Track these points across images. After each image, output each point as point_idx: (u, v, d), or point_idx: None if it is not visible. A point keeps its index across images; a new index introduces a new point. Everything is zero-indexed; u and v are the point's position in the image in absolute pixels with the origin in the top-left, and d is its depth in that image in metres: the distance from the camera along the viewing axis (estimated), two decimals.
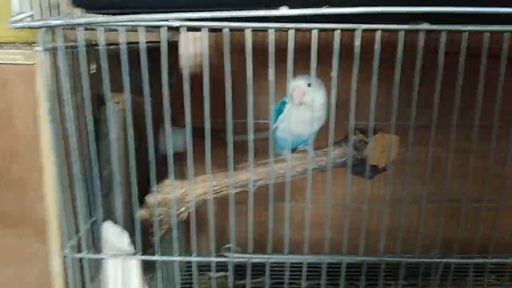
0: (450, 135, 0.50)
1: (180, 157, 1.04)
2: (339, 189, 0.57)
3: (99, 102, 0.58)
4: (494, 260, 0.54)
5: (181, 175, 1.15)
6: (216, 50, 1.14)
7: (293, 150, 0.77)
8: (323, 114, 0.70)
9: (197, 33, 1.08)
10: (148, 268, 0.67)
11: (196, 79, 0.49)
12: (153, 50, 0.48)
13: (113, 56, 0.62)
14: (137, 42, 0.73)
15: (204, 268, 1.08)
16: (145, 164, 0.57)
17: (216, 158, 0.59)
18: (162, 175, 0.72)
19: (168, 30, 0.44)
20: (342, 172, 0.77)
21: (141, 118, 0.59)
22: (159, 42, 0.43)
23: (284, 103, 0.72)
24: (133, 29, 0.45)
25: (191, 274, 1.14)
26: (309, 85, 0.67)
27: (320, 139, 0.80)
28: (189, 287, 1.12)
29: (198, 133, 1.07)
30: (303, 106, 0.67)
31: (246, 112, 0.51)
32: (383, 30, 0.43)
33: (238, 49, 0.46)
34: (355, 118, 0.59)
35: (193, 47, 1.10)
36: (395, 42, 0.44)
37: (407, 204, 0.54)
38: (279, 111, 0.72)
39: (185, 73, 0.47)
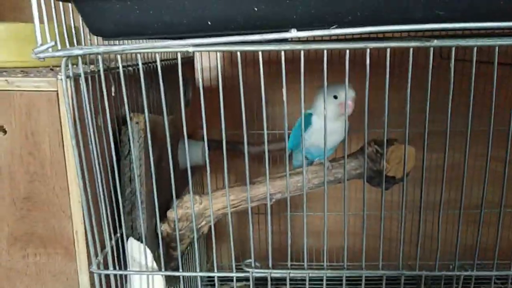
0: (466, 140, 0.50)
1: (200, 169, 1.07)
2: (357, 197, 0.57)
3: (120, 123, 0.61)
4: None
5: (201, 187, 1.17)
6: (231, 62, 1.16)
7: (311, 163, 0.77)
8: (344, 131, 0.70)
9: None
10: (171, 281, 0.69)
11: (212, 92, 0.51)
12: (170, 67, 0.50)
13: (132, 77, 0.65)
14: (154, 62, 0.76)
15: (225, 277, 1.09)
16: (166, 180, 0.59)
17: (235, 170, 0.60)
18: (183, 189, 0.74)
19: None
20: (359, 182, 0.77)
21: (161, 135, 0.61)
22: (175, 59, 0.45)
23: (310, 115, 0.73)
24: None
25: (212, 285, 1.17)
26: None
27: (337, 152, 0.81)
28: None
29: (216, 145, 1.09)
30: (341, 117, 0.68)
31: (258, 123, 0.52)
32: (392, 48, 0.44)
33: (252, 60, 0.47)
34: (372, 127, 0.60)
35: (208, 60, 1.12)
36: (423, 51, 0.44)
37: (425, 211, 0.53)
38: (306, 123, 0.72)
39: (200, 88, 0.48)
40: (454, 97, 0.48)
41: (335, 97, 0.68)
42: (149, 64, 0.73)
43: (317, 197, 1.21)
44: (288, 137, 0.78)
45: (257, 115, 1.19)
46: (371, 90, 0.47)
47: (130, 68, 0.64)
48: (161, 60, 0.79)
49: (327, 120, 0.66)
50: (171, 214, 0.67)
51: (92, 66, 0.54)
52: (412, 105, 0.48)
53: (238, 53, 0.45)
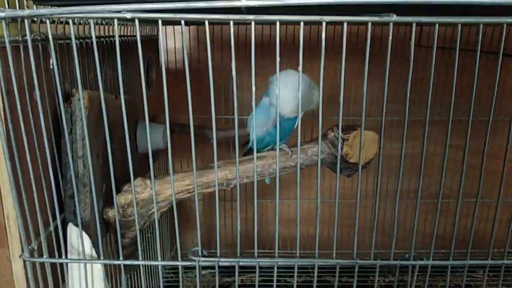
0: (432, 130, 0.47)
1: (162, 154, 1.02)
2: (324, 185, 0.55)
3: (64, 99, 0.56)
4: (472, 262, 0.52)
5: (164, 171, 1.13)
6: (198, 44, 1.11)
7: (272, 148, 0.75)
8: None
9: (177, 27, 1.05)
10: (126, 269, 0.65)
11: (178, 74, 0.46)
12: (130, 44, 0.46)
13: (83, 50, 0.60)
14: (109, 36, 0.71)
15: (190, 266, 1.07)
16: (118, 164, 0.55)
17: (200, 155, 0.56)
18: (143, 173, 0.70)
19: (126, 21, 0.41)
20: (326, 170, 0.75)
21: (112, 116, 0.56)
22: (134, 36, 0.41)
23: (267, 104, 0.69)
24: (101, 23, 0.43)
25: (174, 273, 1.14)
26: None
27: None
28: (171, 285, 1.11)
29: (180, 129, 1.04)
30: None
31: (225, 109, 0.48)
32: (350, 23, 0.41)
33: (221, 43, 0.43)
34: (336, 114, 0.56)
35: (170, 41, 1.07)
36: (384, 37, 0.42)
37: (383, 200, 0.51)
38: (265, 109, 0.69)
39: (163, 67, 0.44)
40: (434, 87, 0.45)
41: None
42: (106, 39, 0.68)
43: (283, 185, 1.18)
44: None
45: (225, 100, 1.16)
46: (348, 78, 0.44)
47: (78, 41, 0.59)
48: (120, 36, 0.74)
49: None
50: (119, 199, 0.63)
51: (34, 35, 0.49)
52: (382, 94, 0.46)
53: (182, 22, 0.41)
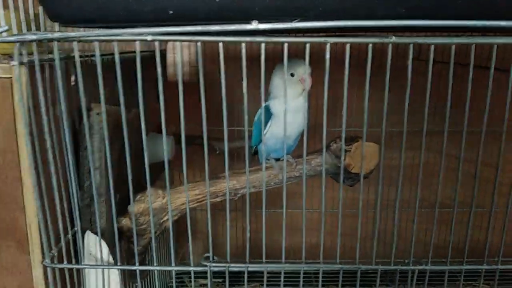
0: (433, 140, 0.50)
1: (170, 165, 1.05)
2: (327, 196, 0.57)
3: (80, 114, 0.59)
4: (469, 267, 0.54)
5: (171, 182, 1.16)
6: (202, 58, 1.15)
7: (277, 159, 0.77)
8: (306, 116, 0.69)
9: (184, 42, 1.09)
10: (134, 277, 0.68)
11: (183, 87, 0.50)
12: (142, 59, 0.49)
13: (95, 67, 0.63)
14: (123, 52, 0.74)
15: (199, 275, 1.08)
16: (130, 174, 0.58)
17: (202, 166, 0.59)
18: (152, 183, 0.73)
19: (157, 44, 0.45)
20: (330, 180, 0.77)
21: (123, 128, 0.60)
22: (146, 51, 0.44)
23: (268, 109, 0.71)
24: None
25: (182, 282, 1.16)
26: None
27: (300, 148, 0.81)
28: None
29: (185, 140, 1.07)
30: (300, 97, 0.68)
31: (229, 120, 0.51)
32: (353, 43, 0.44)
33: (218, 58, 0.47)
34: (338, 125, 0.58)
35: (179, 56, 1.11)
36: (384, 51, 0.45)
37: (385, 210, 0.54)
38: (266, 116, 0.71)
39: (160, 84, 0.47)
40: (430, 98, 0.49)
41: (292, 75, 0.67)
42: (113, 56, 0.71)
43: (288, 195, 1.21)
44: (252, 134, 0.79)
45: (229, 111, 1.19)
46: (350, 90, 0.48)
47: (93, 59, 0.63)
48: (129, 52, 0.78)
49: (288, 100, 0.66)
50: (132, 208, 0.66)
51: (52, 55, 0.52)
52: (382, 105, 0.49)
53: (198, 44, 0.45)
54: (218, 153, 1.09)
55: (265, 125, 0.71)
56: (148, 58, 0.49)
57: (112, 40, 0.43)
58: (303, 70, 0.65)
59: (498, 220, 0.60)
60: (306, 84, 0.65)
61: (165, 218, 0.69)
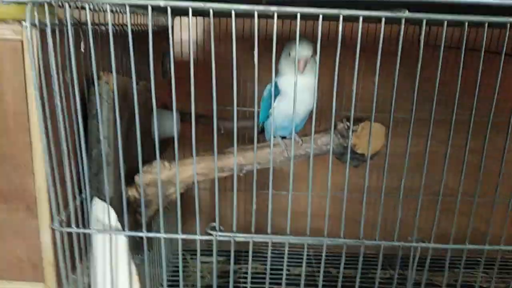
0: (439, 129, 0.50)
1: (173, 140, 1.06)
2: (332, 179, 0.58)
3: (89, 81, 0.60)
4: (471, 246, 0.55)
5: (174, 158, 1.17)
6: (208, 37, 1.15)
7: (284, 137, 0.78)
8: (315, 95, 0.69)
9: (190, 18, 1.09)
10: (139, 248, 0.69)
11: (189, 65, 0.50)
12: (146, 33, 0.49)
13: (106, 36, 0.63)
14: (132, 24, 0.74)
15: (202, 253, 1.10)
16: (136, 145, 0.58)
17: (209, 143, 0.59)
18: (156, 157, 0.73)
19: (159, 13, 0.45)
20: (335, 163, 0.78)
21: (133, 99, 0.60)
22: (153, 26, 0.44)
23: (276, 86, 0.71)
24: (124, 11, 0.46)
25: (184, 259, 1.17)
26: (312, 55, 0.66)
27: (309, 128, 0.82)
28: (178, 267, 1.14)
29: (190, 118, 1.08)
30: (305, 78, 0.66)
31: (238, 100, 0.52)
32: (365, 17, 0.44)
33: (228, 37, 0.47)
34: (343, 109, 0.57)
35: (185, 33, 1.10)
36: (392, 37, 0.45)
37: (387, 196, 0.55)
38: (269, 96, 0.72)
39: (171, 59, 0.48)
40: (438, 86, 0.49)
41: (289, 54, 0.67)
42: (124, 27, 0.72)
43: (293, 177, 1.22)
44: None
45: (231, 91, 1.19)
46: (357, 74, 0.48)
47: (102, 27, 0.63)
48: (136, 25, 0.78)
49: (293, 78, 0.65)
50: (138, 179, 0.67)
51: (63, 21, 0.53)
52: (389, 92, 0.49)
53: (211, 11, 0.45)
54: (222, 133, 1.10)
55: (267, 107, 0.72)
56: (154, 34, 0.49)
57: (124, 3, 0.43)
58: (300, 51, 0.64)
59: (500, 211, 0.60)
60: (299, 66, 0.64)
61: (171, 191, 0.70)
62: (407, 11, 0.44)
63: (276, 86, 0.71)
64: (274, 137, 0.73)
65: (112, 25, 0.64)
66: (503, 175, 0.53)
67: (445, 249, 0.56)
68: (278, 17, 0.45)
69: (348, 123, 0.70)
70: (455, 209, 0.55)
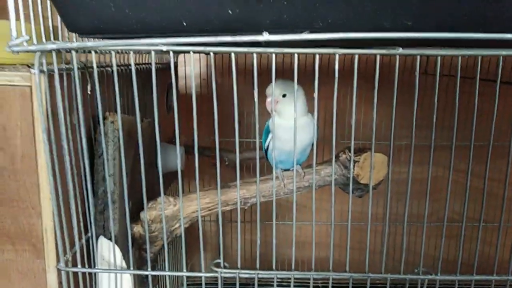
0: (441, 155, 0.51)
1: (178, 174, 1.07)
2: (336, 208, 0.58)
3: (95, 122, 0.61)
4: (479, 277, 0.54)
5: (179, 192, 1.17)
6: (212, 71, 1.17)
7: (287, 170, 0.78)
8: (310, 132, 0.70)
9: (195, 55, 1.12)
10: (144, 286, 0.69)
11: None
12: (151, 71, 0.51)
13: (110, 78, 0.65)
14: (136, 64, 0.76)
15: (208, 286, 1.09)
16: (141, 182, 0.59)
17: (214, 175, 0.60)
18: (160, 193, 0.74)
19: (162, 53, 0.47)
20: (339, 193, 0.78)
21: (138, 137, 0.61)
22: (157, 64, 0.46)
23: (267, 125, 0.74)
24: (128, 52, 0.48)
25: None
26: (284, 95, 0.67)
27: (310, 159, 0.82)
28: None
29: (192, 151, 1.09)
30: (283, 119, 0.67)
31: (241, 132, 0.53)
32: (360, 55, 0.45)
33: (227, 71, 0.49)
34: (345, 138, 0.59)
35: (190, 68, 1.13)
36: (392, 65, 0.46)
37: (393, 224, 0.55)
38: (266, 132, 0.75)
39: (174, 95, 0.49)
40: (438, 112, 0.50)
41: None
42: (128, 67, 0.74)
43: (297, 207, 1.22)
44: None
45: (238, 123, 1.21)
46: (358, 103, 0.49)
47: (108, 69, 0.65)
48: (141, 64, 0.80)
49: (285, 120, 0.66)
50: (143, 215, 0.67)
51: (70, 65, 0.55)
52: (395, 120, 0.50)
53: (212, 54, 0.46)
54: (227, 164, 1.10)
55: (265, 140, 0.75)
56: (159, 70, 0.51)
57: (129, 49, 0.45)
58: (270, 91, 0.65)
59: (509, 235, 0.60)
60: (267, 106, 0.65)
61: (176, 226, 0.70)
62: (400, 48, 0.45)
63: (267, 126, 0.74)
64: (276, 170, 0.74)
65: (118, 65, 0.67)
66: (507, 200, 0.53)
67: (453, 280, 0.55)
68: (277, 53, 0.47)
69: (350, 154, 0.70)
70: (461, 235, 0.54)
